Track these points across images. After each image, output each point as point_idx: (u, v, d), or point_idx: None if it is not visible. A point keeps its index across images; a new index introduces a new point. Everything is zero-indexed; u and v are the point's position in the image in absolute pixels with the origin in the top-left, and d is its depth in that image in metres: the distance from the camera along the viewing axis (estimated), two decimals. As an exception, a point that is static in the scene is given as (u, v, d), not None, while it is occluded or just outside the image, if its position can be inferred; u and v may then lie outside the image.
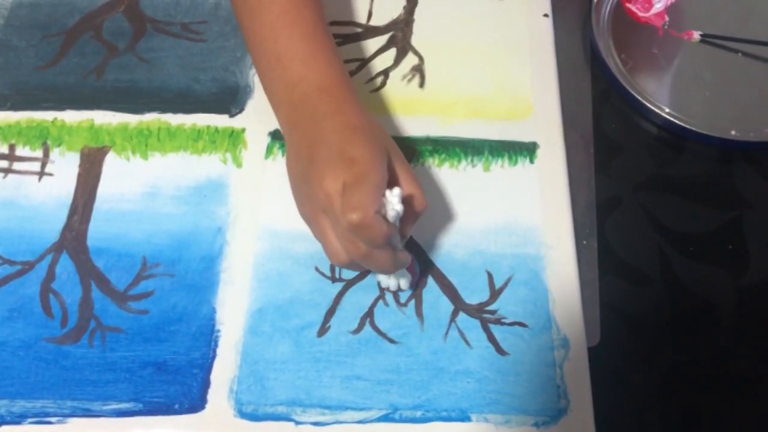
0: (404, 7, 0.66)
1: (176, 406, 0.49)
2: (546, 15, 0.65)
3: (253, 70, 0.62)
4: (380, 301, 0.52)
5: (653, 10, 0.66)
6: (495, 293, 0.52)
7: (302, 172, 0.48)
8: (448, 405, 0.48)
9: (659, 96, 0.61)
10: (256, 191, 0.56)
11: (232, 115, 0.60)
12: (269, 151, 0.58)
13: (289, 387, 0.49)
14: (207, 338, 0.51)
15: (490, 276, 0.53)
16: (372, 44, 0.64)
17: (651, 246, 0.55)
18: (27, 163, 0.58)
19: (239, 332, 0.51)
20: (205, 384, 0.49)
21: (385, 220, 0.44)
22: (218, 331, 0.51)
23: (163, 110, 0.60)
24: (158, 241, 0.54)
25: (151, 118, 0.60)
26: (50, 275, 0.53)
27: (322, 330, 0.51)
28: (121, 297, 0.52)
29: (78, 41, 0.64)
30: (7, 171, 0.58)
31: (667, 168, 0.59)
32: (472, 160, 0.58)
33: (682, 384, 0.50)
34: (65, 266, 0.53)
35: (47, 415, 0.48)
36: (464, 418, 0.48)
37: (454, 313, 0.52)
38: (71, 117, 0.60)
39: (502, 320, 0.51)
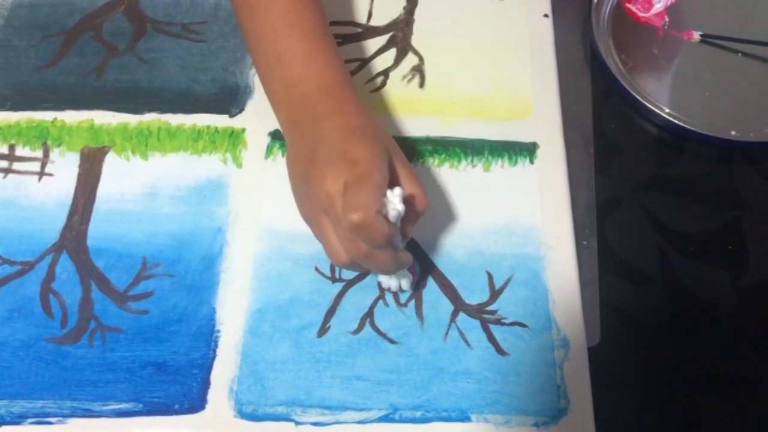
0: (404, 8, 0.66)
1: (176, 407, 0.49)
2: (546, 15, 0.65)
3: (253, 71, 0.62)
4: (380, 302, 0.52)
5: (653, 11, 0.66)
6: (495, 293, 0.52)
7: (303, 172, 0.48)
8: (448, 405, 0.48)
9: (659, 96, 0.61)
10: (256, 191, 0.56)
11: (232, 116, 0.60)
12: (269, 151, 0.58)
13: (289, 387, 0.49)
14: (207, 338, 0.51)
15: (490, 276, 0.53)
16: (372, 44, 0.64)
17: (651, 246, 0.55)
18: (27, 163, 0.58)
19: (239, 332, 0.51)
20: (205, 384, 0.49)
21: (386, 220, 0.44)
22: (218, 331, 0.51)
23: (163, 110, 0.60)
24: (158, 241, 0.54)
25: (151, 118, 0.60)
26: (50, 275, 0.53)
27: (322, 330, 0.51)
28: (121, 297, 0.52)
29: (78, 41, 0.64)
30: (7, 171, 0.58)
31: (667, 168, 0.59)
32: (472, 161, 0.58)
33: (682, 384, 0.50)
34: (65, 266, 0.53)
35: (47, 415, 0.48)
36: (464, 418, 0.48)
37: (454, 314, 0.52)
38: (71, 117, 0.60)
39: (502, 320, 0.51)
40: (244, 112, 0.60)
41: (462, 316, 0.51)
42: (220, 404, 0.49)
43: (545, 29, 0.64)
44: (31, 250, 0.54)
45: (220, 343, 0.51)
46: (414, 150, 0.58)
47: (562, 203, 0.56)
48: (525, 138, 0.59)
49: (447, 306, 0.52)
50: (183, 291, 0.52)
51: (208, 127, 0.59)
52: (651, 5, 0.66)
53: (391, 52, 0.63)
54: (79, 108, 0.60)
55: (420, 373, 0.49)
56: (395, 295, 0.52)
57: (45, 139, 0.59)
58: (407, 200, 0.46)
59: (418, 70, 0.62)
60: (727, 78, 0.63)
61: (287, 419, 0.48)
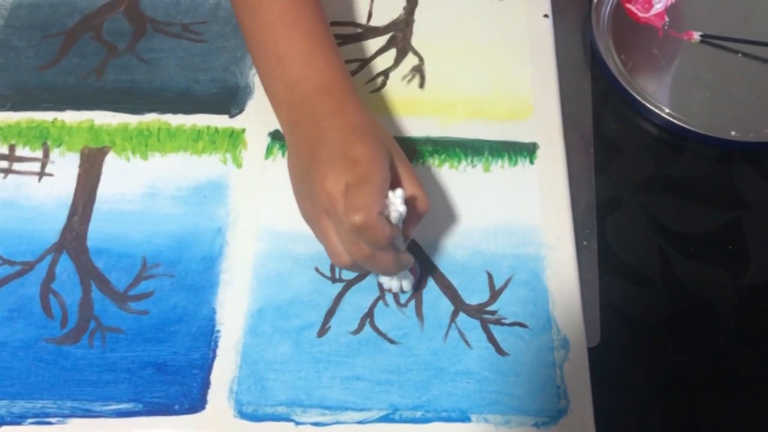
0: (404, 8, 0.66)
1: (176, 407, 0.49)
2: (546, 15, 0.65)
3: (253, 71, 0.62)
4: (380, 302, 0.52)
5: (653, 11, 0.66)
6: (495, 294, 0.52)
7: (303, 172, 0.48)
8: (448, 405, 0.48)
9: (659, 96, 0.61)
10: (256, 192, 0.56)
11: (232, 116, 0.60)
12: (269, 151, 0.58)
13: (289, 387, 0.49)
14: (207, 339, 0.51)
15: (490, 276, 0.53)
16: (372, 45, 0.64)
17: (651, 246, 0.55)
18: (27, 164, 0.58)
19: (239, 333, 0.51)
20: (205, 384, 0.49)
21: (388, 221, 0.44)
22: (218, 331, 0.51)
23: (163, 111, 0.60)
24: (158, 241, 0.54)
25: (151, 118, 0.60)
26: (50, 276, 0.53)
27: (322, 330, 0.51)
28: (121, 297, 0.52)
29: (78, 42, 0.64)
30: (7, 171, 0.58)
31: (667, 168, 0.59)
32: (472, 161, 0.58)
33: (682, 384, 0.50)
34: (65, 267, 0.53)
35: (47, 415, 0.48)
36: (464, 418, 0.48)
37: (454, 314, 0.52)
38: (71, 117, 0.60)
39: (502, 321, 0.51)
40: (244, 113, 0.60)
41: (462, 317, 0.51)
42: (220, 404, 0.49)
43: (545, 29, 0.64)
44: (31, 250, 0.54)
45: (220, 344, 0.51)
46: (414, 150, 0.58)
47: (562, 203, 0.56)
48: (525, 138, 0.59)
49: (447, 306, 0.52)
50: (183, 291, 0.52)
51: (208, 127, 0.59)
52: (651, 5, 0.66)
53: (391, 53, 0.63)
54: (79, 108, 0.60)
55: (420, 373, 0.49)
56: (395, 295, 0.52)
57: (45, 140, 0.59)
58: (409, 201, 0.46)
59: (418, 70, 0.62)
60: (727, 78, 0.63)
61: (287, 419, 0.48)
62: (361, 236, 0.43)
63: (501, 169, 0.57)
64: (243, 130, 0.59)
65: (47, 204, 0.56)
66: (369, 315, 0.52)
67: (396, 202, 0.44)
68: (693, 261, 0.54)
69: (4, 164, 0.58)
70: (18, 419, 0.48)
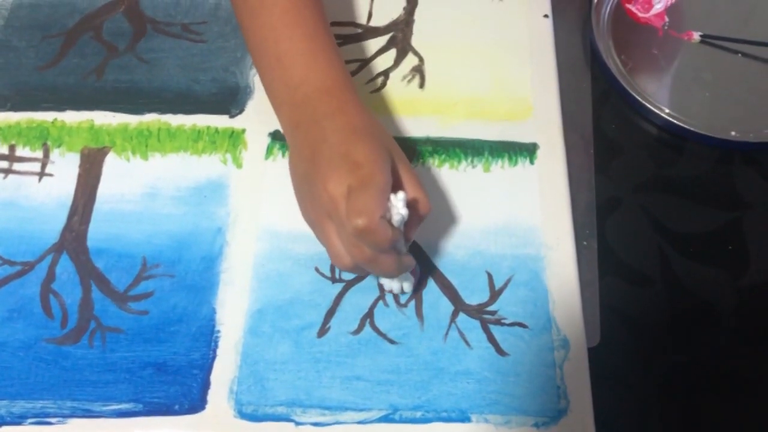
0: (404, 8, 0.66)
1: (176, 407, 0.49)
2: (546, 16, 0.65)
3: (254, 71, 0.62)
4: (380, 302, 0.52)
5: (653, 11, 0.66)
6: (495, 294, 0.52)
7: (305, 174, 0.48)
8: (448, 405, 0.48)
9: (659, 97, 0.61)
10: (256, 192, 0.56)
11: (232, 116, 0.60)
12: (269, 151, 0.58)
13: (289, 387, 0.49)
14: (207, 339, 0.51)
15: (490, 276, 0.53)
16: (372, 45, 0.64)
17: (651, 247, 0.55)
18: (27, 164, 0.58)
19: (239, 333, 0.51)
20: (205, 384, 0.49)
21: (390, 224, 0.44)
22: (218, 331, 0.51)
23: (163, 111, 0.60)
24: (158, 241, 0.54)
25: (151, 118, 0.60)
26: (50, 276, 0.53)
27: (322, 330, 0.51)
28: (121, 298, 0.52)
29: (78, 42, 0.64)
30: (7, 171, 0.58)
31: (667, 169, 0.59)
32: (472, 161, 0.58)
33: (682, 384, 0.50)
34: (65, 267, 0.53)
35: (47, 415, 0.48)
36: (464, 418, 0.48)
37: (454, 314, 0.52)
38: (71, 117, 0.60)
39: (502, 321, 0.51)
40: (244, 113, 0.60)
41: (462, 317, 0.51)
42: (220, 404, 0.49)
43: (545, 30, 0.64)
44: (31, 250, 0.54)
45: (220, 344, 0.51)
46: (414, 150, 0.58)
47: (562, 204, 0.56)
48: (525, 138, 0.59)
49: (447, 306, 0.52)
50: (183, 291, 0.52)
51: (208, 127, 0.59)
52: (651, 6, 0.66)
53: (391, 53, 0.63)
54: (79, 108, 0.60)
55: (420, 373, 0.49)
56: (395, 295, 0.52)
57: (45, 140, 0.59)
58: (410, 204, 0.46)
59: (418, 70, 0.62)
60: (727, 78, 0.63)
61: (287, 419, 0.48)
62: (363, 240, 0.43)
63: (501, 170, 0.57)
64: (243, 131, 0.59)
65: (47, 204, 0.56)
66: (369, 315, 0.52)
67: (398, 205, 0.44)
68: (693, 261, 0.54)
69: (4, 164, 0.58)
70: (18, 419, 0.48)
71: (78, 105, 0.60)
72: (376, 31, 0.65)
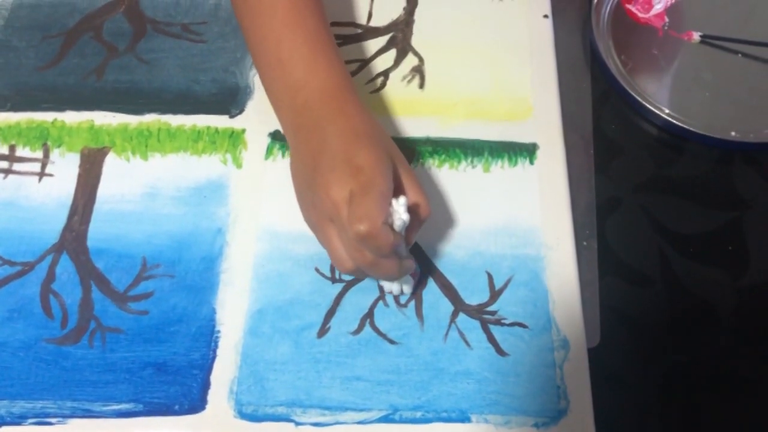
0: (404, 8, 0.66)
1: (176, 407, 0.49)
2: (546, 16, 0.65)
3: (254, 71, 0.62)
4: (380, 302, 0.52)
5: (653, 11, 0.66)
6: (495, 294, 0.52)
7: (307, 178, 0.48)
8: (448, 406, 0.48)
9: (659, 97, 0.61)
10: (256, 192, 0.56)
11: (232, 116, 0.60)
12: (269, 151, 0.58)
13: (289, 388, 0.49)
14: (207, 339, 0.51)
15: (490, 277, 0.53)
16: (372, 45, 0.64)
17: (651, 247, 0.55)
18: (27, 164, 0.58)
19: (239, 333, 0.51)
20: (205, 385, 0.49)
21: (391, 229, 0.44)
22: (218, 331, 0.51)
23: (163, 111, 0.60)
24: (158, 241, 0.54)
25: (151, 118, 0.60)
26: (50, 276, 0.53)
27: (322, 331, 0.51)
28: (121, 298, 0.52)
29: (78, 42, 0.64)
30: (7, 172, 0.58)
31: (667, 169, 0.59)
32: (472, 161, 0.58)
33: (682, 384, 0.50)
34: (65, 267, 0.53)
35: (47, 415, 0.48)
36: (464, 418, 0.48)
37: (454, 314, 0.52)
38: (71, 118, 0.60)
39: (502, 321, 0.51)
40: (244, 113, 0.60)
41: (462, 317, 0.51)
42: (220, 405, 0.49)
43: (545, 30, 0.64)
44: (31, 250, 0.54)
45: (220, 344, 0.51)
46: (414, 151, 0.58)
47: (562, 204, 0.56)
48: (525, 139, 0.59)
49: (447, 306, 0.52)
50: (183, 291, 0.52)
51: (208, 127, 0.59)
52: (651, 6, 0.66)
53: (391, 53, 0.63)
54: (79, 109, 0.60)
55: (420, 373, 0.49)
56: (395, 296, 0.52)
57: (45, 140, 0.59)
58: (411, 208, 0.46)
59: (418, 70, 0.62)
60: (727, 79, 0.63)
61: (287, 420, 0.48)
62: (365, 245, 0.44)
63: (501, 170, 0.57)
64: (243, 131, 0.59)
65: (47, 204, 0.56)
66: (369, 315, 0.52)
67: (399, 210, 0.44)
68: (693, 261, 0.54)
69: (4, 164, 0.58)
70: (18, 419, 0.48)
71: (78, 105, 0.60)
72: (376, 32, 0.65)
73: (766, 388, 0.50)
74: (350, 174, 0.45)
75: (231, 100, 0.61)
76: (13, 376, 0.49)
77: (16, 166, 0.58)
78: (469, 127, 0.59)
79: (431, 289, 0.53)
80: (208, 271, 0.53)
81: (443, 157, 0.58)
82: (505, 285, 0.52)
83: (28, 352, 0.50)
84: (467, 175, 0.57)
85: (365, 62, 0.63)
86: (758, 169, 0.59)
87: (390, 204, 0.44)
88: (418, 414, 0.48)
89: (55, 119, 0.60)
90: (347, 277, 0.53)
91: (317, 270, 0.53)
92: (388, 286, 0.51)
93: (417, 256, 0.53)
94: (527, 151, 0.58)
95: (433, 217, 0.50)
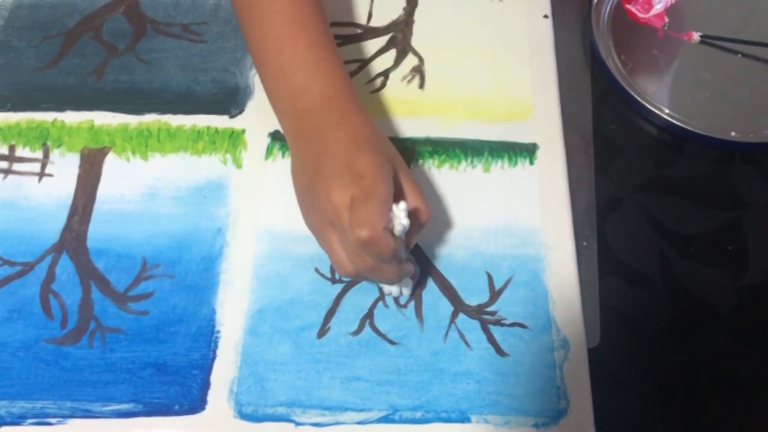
0: (404, 8, 0.66)
1: (176, 407, 0.49)
2: (546, 16, 0.65)
3: (254, 71, 0.62)
4: (380, 303, 0.52)
5: (653, 11, 0.66)
6: (495, 294, 0.52)
7: (308, 183, 0.48)
8: (447, 406, 0.48)
9: (659, 97, 0.61)
10: (256, 192, 0.56)
11: (232, 116, 0.60)
12: (269, 152, 0.58)
13: (289, 388, 0.49)
14: (207, 339, 0.51)
15: (489, 277, 0.53)
16: (372, 45, 0.64)
17: (651, 247, 0.55)
18: (27, 164, 0.58)
19: (239, 333, 0.51)
20: (205, 385, 0.49)
21: (392, 235, 0.44)
22: (218, 332, 0.51)
23: (163, 111, 0.60)
24: (158, 242, 0.54)
25: (151, 119, 0.60)
26: (50, 276, 0.53)
27: (322, 331, 0.51)
28: (121, 298, 0.52)
29: (78, 42, 0.64)
30: (7, 172, 0.58)
31: (667, 169, 0.59)
32: (471, 161, 0.58)
33: (682, 384, 0.50)
34: (65, 267, 0.53)
35: (47, 416, 0.48)
36: (464, 419, 0.48)
37: (454, 315, 0.52)
38: (71, 118, 0.60)
39: (502, 321, 0.51)
40: (244, 113, 0.60)
41: (462, 317, 0.51)
42: (220, 405, 0.49)
43: (545, 30, 0.64)
44: (31, 250, 0.54)
45: (220, 344, 0.51)
46: (414, 151, 0.58)
47: (562, 204, 0.56)
48: (525, 139, 0.59)
49: (447, 307, 0.52)
50: (183, 292, 0.52)
51: (208, 127, 0.59)
52: (651, 6, 0.66)
53: (391, 53, 0.63)
54: (79, 109, 0.60)
55: (420, 374, 0.49)
56: (395, 297, 0.52)
57: (45, 140, 0.59)
58: (411, 213, 0.46)
59: (418, 70, 0.62)
60: (726, 79, 0.63)
61: (287, 420, 0.48)
62: (365, 250, 0.44)
63: (501, 170, 0.57)
64: (243, 131, 0.59)
65: (47, 204, 0.56)
66: (369, 316, 0.52)
67: (400, 216, 0.45)
68: (693, 261, 0.54)
69: (4, 165, 0.58)
70: (18, 420, 0.48)
71: (78, 105, 0.60)
72: (376, 32, 0.65)
73: (766, 388, 0.50)
74: (351, 180, 0.45)
75: (231, 101, 0.61)
76: (13, 377, 0.49)
77: (16, 166, 0.58)
78: (469, 127, 0.59)
79: (431, 289, 0.53)
80: (208, 271, 0.53)
81: (443, 157, 0.58)
82: (505, 285, 0.52)
83: (27, 352, 0.50)
84: (467, 175, 0.57)
85: (365, 62, 0.63)
86: (758, 169, 0.59)
87: (390, 209, 0.44)
88: (418, 414, 0.48)
89: (55, 119, 0.60)
90: (347, 278, 0.53)
91: (317, 270, 0.53)
92: (387, 287, 0.51)
93: (417, 256, 0.53)
94: (527, 151, 0.58)
95: (433, 218, 0.50)
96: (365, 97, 0.60)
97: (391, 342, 0.51)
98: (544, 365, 0.50)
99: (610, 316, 0.52)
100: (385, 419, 0.48)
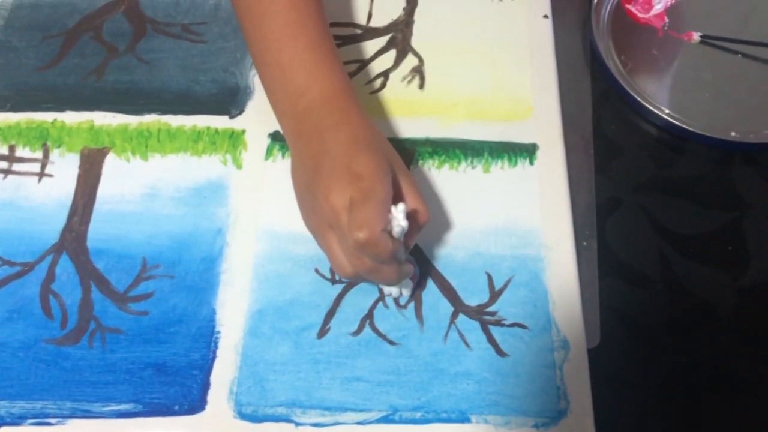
0: (404, 9, 0.66)
1: (176, 408, 0.49)
2: (546, 16, 0.65)
3: (254, 71, 0.62)
4: (380, 303, 0.52)
5: (653, 12, 0.66)
6: (495, 295, 0.52)
7: (307, 183, 0.48)
8: (447, 406, 0.48)
9: (659, 97, 0.61)
10: (256, 192, 0.56)
11: (232, 117, 0.60)
12: (269, 152, 0.58)
13: (289, 388, 0.49)
14: (207, 339, 0.51)
15: (489, 277, 0.53)
16: (372, 45, 0.64)
17: (651, 247, 0.55)
18: (27, 164, 0.58)
19: (239, 333, 0.51)
20: (205, 385, 0.49)
21: (390, 236, 0.44)
22: (218, 332, 0.51)
23: (163, 111, 0.60)
24: (158, 242, 0.54)
25: (151, 119, 0.60)
26: (50, 276, 0.53)
27: (322, 331, 0.51)
28: (121, 298, 0.52)
29: (78, 42, 0.64)
30: (6, 172, 0.58)
31: (667, 169, 0.59)
32: (471, 162, 0.58)
33: (682, 385, 0.50)
34: (65, 267, 0.53)
35: (47, 416, 0.48)
36: (464, 419, 0.48)
37: (454, 315, 0.52)
38: (71, 118, 0.60)
39: (502, 322, 0.51)
40: (244, 114, 0.60)
41: (462, 318, 0.51)
42: (219, 405, 0.49)
43: (545, 30, 0.64)
44: (31, 251, 0.54)
45: (220, 344, 0.51)
46: (413, 151, 0.58)
47: (562, 204, 0.56)
48: (525, 139, 0.59)
49: (447, 307, 0.52)
50: (183, 292, 0.52)
51: (208, 128, 0.59)
52: (651, 6, 0.66)
53: (391, 54, 0.63)
54: (79, 109, 0.60)
55: (420, 374, 0.49)
56: (395, 298, 0.52)
57: (45, 140, 0.59)
58: (410, 214, 0.46)
59: (418, 71, 0.62)
60: (726, 79, 0.63)
61: (287, 420, 0.48)
62: (364, 252, 0.44)
63: (501, 170, 0.57)
64: (243, 131, 0.59)
65: (47, 205, 0.56)
66: (369, 316, 0.52)
67: (398, 217, 0.45)
68: (693, 261, 0.54)
69: (3, 165, 0.58)
70: (18, 420, 0.48)
71: (78, 105, 0.60)
72: (376, 32, 0.65)
73: (766, 388, 0.50)
74: (350, 181, 0.45)
75: (231, 101, 0.61)
76: (13, 377, 0.49)
77: (16, 167, 0.58)
78: (469, 128, 0.59)
79: (431, 290, 0.52)
80: (208, 271, 0.53)
81: (443, 157, 0.58)
82: (505, 285, 0.52)
83: (27, 352, 0.50)
84: (467, 175, 0.57)
85: (365, 63, 0.63)
86: (758, 169, 0.59)
87: (389, 211, 0.44)
88: (418, 415, 0.48)
89: (55, 119, 0.60)
90: (347, 279, 0.53)
91: (317, 271, 0.53)
92: (387, 288, 0.51)
93: (416, 257, 0.53)
94: (527, 151, 0.58)
95: (432, 218, 0.50)
96: (365, 98, 0.60)
97: (391, 342, 0.51)
98: (544, 365, 0.50)
99: (610, 316, 0.52)
100: (385, 419, 0.48)
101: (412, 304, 0.52)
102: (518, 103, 0.60)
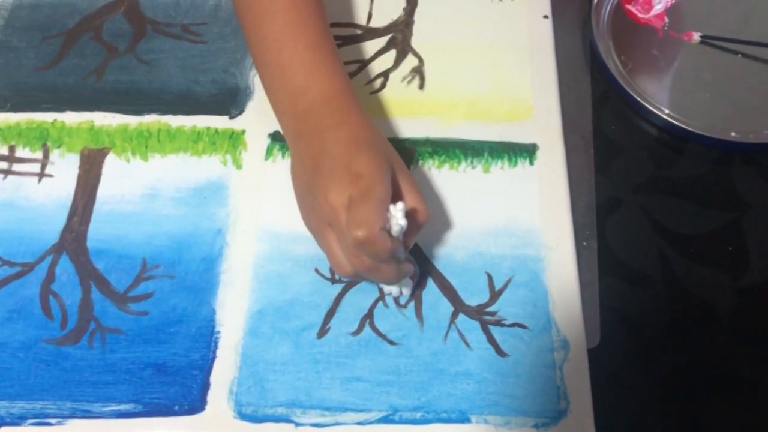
0: (404, 9, 0.66)
1: (176, 408, 0.49)
2: (546, 16, 0.65)
3: (254, 72, 0.62)
4: (380, 303, 0.52)
5: (653, 12, 0.66)
6: (495, 295, 0.52)
7: (307, 183, 0.48)
8: (447, 406, 0.48)
9: (659, 97, 0.61)
10: (256, 193, 0.56)
11: (232, 117, 0.60)
12: (269, 152, 0.58)
13: (289, 388, 0.49)
14: (207, 340, 0.51)
15: (489, 277, 0.53)
16: (372, 46, 0.64)
17: (651, 247, 0.55)
18: (27, 165, 0.58)
19: (239, 334, 0.51)
20: (205, 385, 0.49)
21: (389, 235, 0.44)
22: (218, 332, 0.51)
23: (163, 112, 0.60)
24: (158, 242, 0.54)
25: (151, 119, 0.60)
26: (50, 277, 0.53)
27: (322, 331, 0.51)
28: (121, 298, 0.52)
29: (78, 42, 0.64)
30: (6, 172, 0.58)
31: (667, 169, 0.59)
32: (471, 162, 0.58)
33: (682, 385, 0.50)
34: (65, 268, 0.53)
35: (47, 416, 0.48)
36: (464, 419, 0.48)
37: (454, 315, 0.52)
38: (71, 118, 0.60)
39: (502, 322, 0.51)
40: (244, 114, 0.60)
41: (462, 318, 0.51)
42: (219, 405, 0.49)
43: (545, 30, 0.64)
44: (31, 251, 0.54)
45: (220, 345, 0.51)
46: (413, 151, 0.58)
47: (562, 204, 0.56)
48: (525, 139, 0.59)
49: (447, 307, 0.52)
50: (183, 292, 0.52)
51: (208, 128, 0.59)
52: (651, 6, 0.66)
53: (391, 54, 0.63)
54: (79, 109, 0.60)
55: (420, 374, 0.49)
56: (395, 297, 0.52)
57: (45, 141, 0.59)
58: (409, 213, 0.46)
59: (418, 71, 0.62)
60: (726, 79, 0.63)
61: (287, 420, 0.48)
62: (363, 250, 0.44)
63: (501, 170, 0.57)
64: (243, 132, 0.59)
65: (47, 205, 0.56)
66: (369, 316, 0.51)
67: (397, 216, 0.45)
68: (693, 261, 0.54)
69: (3, 165, 0.58)
70: (18, 420, 0.48)
71: (78, 106, 0.60)
72: (376, 32, 0.65)
73: (766, 388, 0.50)
74: (349, 180, 0.45)
75: (231, 101, 0.61)
76: (13, 377, 0.49)
77: (16, 167, 0.58)
78: (469, 128, 0.59)
79: (431, 289, 0.52)
80: (208, 271, 0.53)
81: (443, 157, 0.58)
82: (505, 285, 0.52)
83: (27, 352, 0.50)
84: (467, 175, 0.57)
85: (365, 63, 0.63)
86: (758, 170, 0.59)
87: (388, 210, 0.44)
88: (418, 415, 0.48)
89: (55, 120, 0.60)
90: (346, 278, 0.53)
91: (317, 270, 0.53)
92: (387, 288, 0.51)
93: (416, 256, 0.53)
94: (527, 151, 0.58)
95: (432, 218, 0.50)
96: (365, 98, 0.60)
97: (391, 342, 0.51)
98: (544, 365, 0.50)
99: (610, 316, 0.52)
100: (385, 420, 0.48)
101: (412, 304, 0.52)
102: (518, 103, 0.60)
